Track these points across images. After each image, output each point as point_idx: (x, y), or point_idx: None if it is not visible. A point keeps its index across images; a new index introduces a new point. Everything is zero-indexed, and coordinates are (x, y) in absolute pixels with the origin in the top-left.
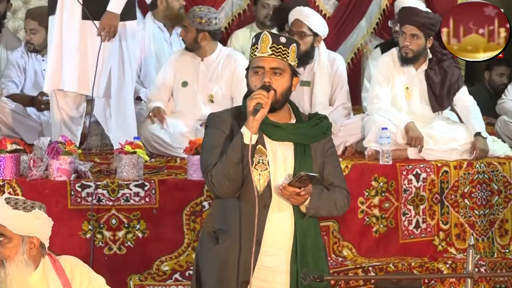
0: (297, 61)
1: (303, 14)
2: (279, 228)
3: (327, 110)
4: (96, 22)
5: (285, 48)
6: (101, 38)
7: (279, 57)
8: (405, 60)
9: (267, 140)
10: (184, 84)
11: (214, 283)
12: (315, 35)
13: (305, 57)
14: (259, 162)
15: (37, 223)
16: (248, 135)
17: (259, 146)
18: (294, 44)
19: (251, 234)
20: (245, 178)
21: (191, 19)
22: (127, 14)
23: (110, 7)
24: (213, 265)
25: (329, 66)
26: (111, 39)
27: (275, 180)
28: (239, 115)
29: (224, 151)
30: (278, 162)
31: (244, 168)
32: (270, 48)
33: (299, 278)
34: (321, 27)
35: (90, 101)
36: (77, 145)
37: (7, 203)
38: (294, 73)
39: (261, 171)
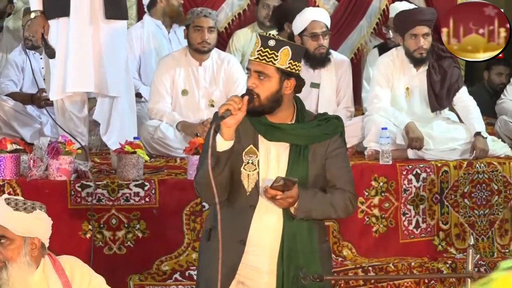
0: (296, 64)
1: (318, 14)
2: (266, 229)
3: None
4: (118, 21)
5: (272, 52)
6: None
7: (264, 61)
8: (420, 61)
9: (261, 140)
10: (184, 92)
11: (203, 280)
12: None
13: (326, 57)
14: (248, 163)
15: (38, 224)
16: (221, 142)
17: (251, 146)
18: (287, 47)
19: (235, 234)
20: (235, 181)
21: (215, 19)
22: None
23: None
24: (202, 263)
25: (336, 68)
26: None
27: (265, 181)
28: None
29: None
30: (270, 163)
31: (234, 172)
32: (257, 51)
33: (285, 279)
34: (329, 20)
35: (88, 99)
36: (87, 143)
37: (7, 204)
38: (288, 76)
39: (249, 171)
